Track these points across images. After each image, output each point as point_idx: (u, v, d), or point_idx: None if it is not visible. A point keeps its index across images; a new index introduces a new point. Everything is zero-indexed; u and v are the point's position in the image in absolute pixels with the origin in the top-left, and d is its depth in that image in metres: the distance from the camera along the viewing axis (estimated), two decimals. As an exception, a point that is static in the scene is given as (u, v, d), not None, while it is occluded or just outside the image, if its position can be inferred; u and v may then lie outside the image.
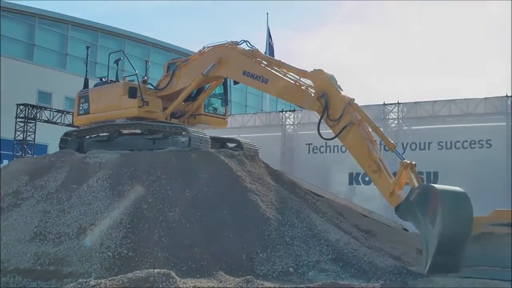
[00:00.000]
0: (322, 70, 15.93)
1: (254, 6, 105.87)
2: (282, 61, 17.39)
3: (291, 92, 16.78)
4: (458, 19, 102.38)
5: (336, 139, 15.65)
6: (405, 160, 14.13)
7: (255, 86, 18.01)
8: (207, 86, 20.39)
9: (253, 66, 17.62)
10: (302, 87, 16.46)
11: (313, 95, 15.99)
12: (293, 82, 16.70)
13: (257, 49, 17.96)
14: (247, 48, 18.19)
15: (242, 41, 18.33)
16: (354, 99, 15.30)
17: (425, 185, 13.65)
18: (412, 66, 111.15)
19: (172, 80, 19.74)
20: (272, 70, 17.30)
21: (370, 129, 15.20)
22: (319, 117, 15.78)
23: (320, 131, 16.00)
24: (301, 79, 16.60)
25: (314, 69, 16.07)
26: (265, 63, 17.76)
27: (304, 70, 16.61)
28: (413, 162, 14.13)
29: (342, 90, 15.61)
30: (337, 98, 15.36)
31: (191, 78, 19.25)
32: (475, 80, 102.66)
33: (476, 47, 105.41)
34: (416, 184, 13.58)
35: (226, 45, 18.61)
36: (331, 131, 15.64)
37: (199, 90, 20.41)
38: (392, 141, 15.20)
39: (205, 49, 19.18)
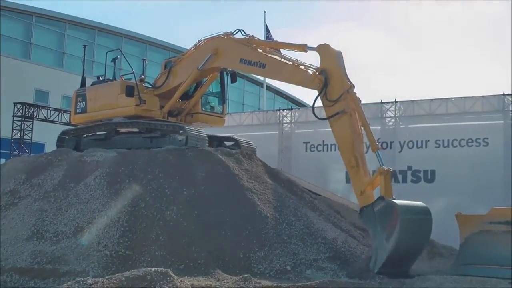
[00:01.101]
0: (329, 46, 15.79)
1: (252, 5, 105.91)
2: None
3: (289, 73, 16.76)
4: (456, 19, 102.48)
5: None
6: (383, 167, 14.40)
7: (253, 72, 18.10)
8: (204, 81, 20.36)
9: (250, 53, 17.64)
10: (301, 66, 16.43)
11: (311, 72, 15.96)
12: (290, 63, 16.69)
13: (252, 36, 17.92)
14: (242, 36, 18.18)
15: (237, 31, 18.31)
16: (353, 87, 15.31)
17: (389, 201, 13.78)
18: (411, 65, 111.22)
19: (169, 77, 19.71)
20: (268, 55, 17.34)
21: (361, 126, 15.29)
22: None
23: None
24: (298, 60, 16.57)
25: (321, 44, 15.89)
26: (262, 48, 17.74)
27: (303, 44, 16.62)
28: (390, 170, 14.47)
29: (345, 69, 15.54)
30: (338, 80, 15.33)
31: (187, 73, 19.23)
32: (474, 79, 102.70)
33: (475, 47, 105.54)
34: (386, 194, 13.98)
35: (222, 36, 18.61)
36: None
37: (197, 88, 20.39)
38: (377, 143, 15.34)
39: (200, 42, 19.18)
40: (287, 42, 17.31)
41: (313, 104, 16.01)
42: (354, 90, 15.35)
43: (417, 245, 14.21)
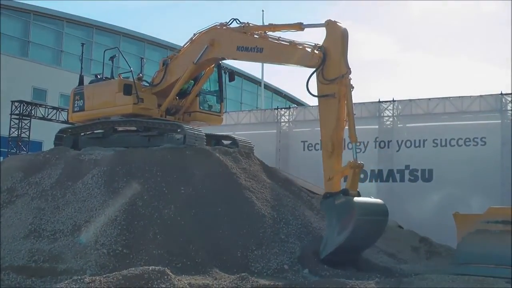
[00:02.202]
0: (336, 23, 15.72)
1: (251, 4, 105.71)
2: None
3: (288, 53, 16.80)
4: (453, 18, 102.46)
5: None
6: (354, 160, 14.82)
7: (252, 58, 18.07)
8: (201, 75, 20.31)
9: (246, 39, 17.63)
10: (298, 46, 16.44)
11: (310, 50, 15.98)
12: (288, 43, 16.72)
13: (247, 23, 17.85)
14: (237, 25, 18.13)
15: (232, 20, 18.24)
16: (350, 72, 15.34)
17: (350, 200, 14.35)
18: (409, 64, 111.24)
19: (166, 74, 19.70)
20: (265, 39, 17.35)
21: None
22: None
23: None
24: (295, 41, 16.59)
25: (329, 20, 15.80)
26: (259, 34, 17.70)
27: (299, 23, 16.74)
28: (361, 164, 14.98)
29: (347, 50, 15.54)
30: (335, 63, 15.39)
31: (184, 69, 19.22)
32: (472, 79, 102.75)
33: (473, 46, 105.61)
34: (351, 187, 14.67)
35: (217, 26, 18.59)
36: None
37: (195, 86, 20.36)
38: (356, 135, 15.38)
39: (195, 36, 19.14)
40: (282, 24, 17.36)
41: (308, 79, 15.85)
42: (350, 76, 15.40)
43: (366, 243, 15.28)
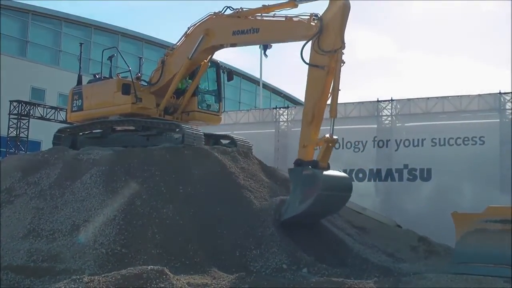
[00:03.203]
0: None
1: (251, 3, 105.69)
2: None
3: (284, 28, 16.89)
4: (452, 17, 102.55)
5: None
6: (330, 135, 15.24)
7: (249, 40, 18.09)
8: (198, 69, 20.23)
9: (241, 23, 17.75)
10: (294, 19, 16.51)
11: (306, 20, 16.08)
12: (283, 18, 16.82)
13: (241, 8, 17.92)
14: (231, 12, 18.19)
15: (225, 8, 18.29)
16: (343, 47, 15.45)
17: (317, 173, 14.98)
18: (408, 64, 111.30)
19: (163, 72, 19.69)
20: (259, 19, 17.45)
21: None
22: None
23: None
24: (289, 15, 16.72)
25: None
26: (253, 17, 17.78)
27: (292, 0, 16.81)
28: (336, 139, 15.48)
29: (345, 24, 15.58)
30: (331, 37, 15.46)
31: (180, 64, 19.22)
32: (470, 78, 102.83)
33: (472, 45, 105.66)
34: (322, 160, 15.29)
35: (211, 16, 18.61)
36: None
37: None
38: (336, 111, 15.55)
39: (189, 30, 19.14)
40: (275, 3, 17.46)
41: (302, 47, 15.81)
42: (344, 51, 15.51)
43: (326, 214, 16.43)
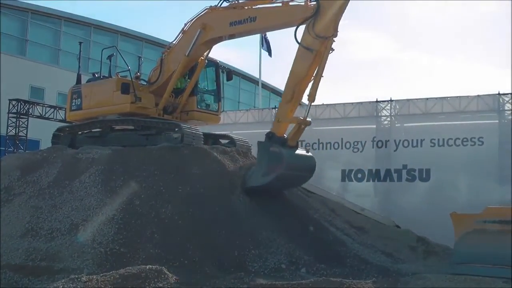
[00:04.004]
0: None
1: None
2: None
3: (281, 14, 17.06)
4: (452, 18, 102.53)
5: None
6: (304, 118, 16.20)
7: (247, 30, 18.13)
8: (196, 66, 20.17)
9: (237, 13, 17.82)
10: (290, 3, 16.68)
11: (303, 3, 16.23)
12: (279, 4, 16.97)
13: (237, 0, 17.98)
14: (227, 4, 18.26)
15: (222, 1, 18.35)
16: (335, 35, 15.84)
17: (283, 152, 16.02)
18: (407, 64, 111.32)
19: (162, 71, 19.68)
20: (256, 8, 17.54)
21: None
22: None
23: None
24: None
25: None
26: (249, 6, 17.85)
27: None
28: (308, 122, 16.48)
29: (341, 15, 15.80)
30: (325, 22, 15.66)
31: (178, 62, 19.22)
32: (469, 78, 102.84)
33: (471, 46, 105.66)
34: (291, 140, 16.32)
35: (207, 10, 18.63)
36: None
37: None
38: (315, 96, 16.04)
39: (186, 26, 19.13)
40: None
41: (297, 26, 15.99)
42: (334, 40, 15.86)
43: (285, 188, 17.71)
